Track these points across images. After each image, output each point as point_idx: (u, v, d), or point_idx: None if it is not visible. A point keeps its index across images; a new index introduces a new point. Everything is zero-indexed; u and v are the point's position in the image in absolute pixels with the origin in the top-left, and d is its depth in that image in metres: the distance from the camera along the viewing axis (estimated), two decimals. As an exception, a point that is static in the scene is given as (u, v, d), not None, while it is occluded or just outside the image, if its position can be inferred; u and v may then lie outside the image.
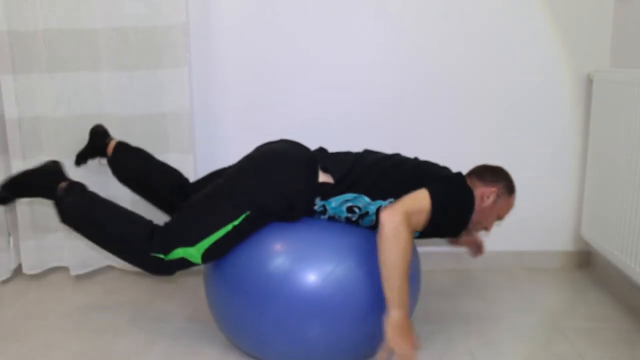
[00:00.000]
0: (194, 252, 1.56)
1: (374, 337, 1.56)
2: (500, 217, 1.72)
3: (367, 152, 1.74)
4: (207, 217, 1.57)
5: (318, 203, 1.62)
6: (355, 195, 1.60)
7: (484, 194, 1.66)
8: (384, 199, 1.61)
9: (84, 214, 1.63)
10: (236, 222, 1.55)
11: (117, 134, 2.14)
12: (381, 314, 1.49)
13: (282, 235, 1.57)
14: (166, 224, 1.61)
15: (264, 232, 1.58)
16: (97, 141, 2.03)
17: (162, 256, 1.57)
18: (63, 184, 1.68)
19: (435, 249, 2.32)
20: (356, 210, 1.62)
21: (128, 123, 2.13)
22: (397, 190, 1.59)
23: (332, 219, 1.65)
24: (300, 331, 1.50)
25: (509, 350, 1.70)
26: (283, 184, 1.58)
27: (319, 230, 1.59)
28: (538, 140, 2.24)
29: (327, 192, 1.61)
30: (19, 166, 2.13)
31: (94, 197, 1.67)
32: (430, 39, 2.18)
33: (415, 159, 1.75)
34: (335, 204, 1.61)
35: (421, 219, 1.52)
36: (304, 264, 1.50)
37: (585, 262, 2.32)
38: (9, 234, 2.24)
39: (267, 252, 1.53)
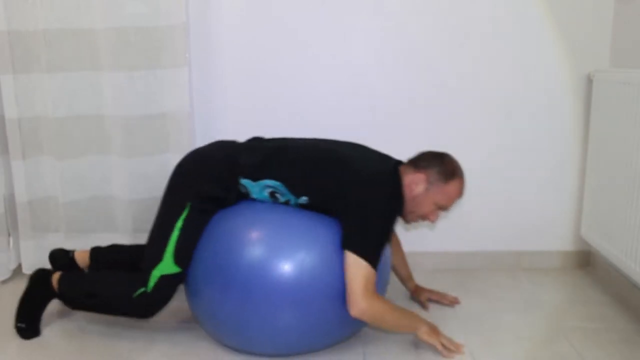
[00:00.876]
0: (166, 265, 1.63)
1: (352, 320, 1.60)
2: (442, 207, 1.67)
3: (294, 141, 1.74)
4: (159, 230, 1.67)
5: (243, 182, 1.65)
6: (277, 183, 1.63)
7: (413, 182, 1.65)
8: (298, 196, 1.63)
9: (78, 295, 1.74)
10: (183, 216, 1.63)
11: (117, 134, 2.14)
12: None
13: (255, 224, 1.59)
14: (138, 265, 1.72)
15: (237, 222, 1.61)
16: (61, 261, 1.98)
17: (143, 289, 1.65)
18: (55, 279, 1.77)
19: (435, 249, 2.33)
20: (278, 196, 1.65)
21: (128, 123, 2.13)
22: (310, 192, 1.62)
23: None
24: (279, 320, 1.53)
25: (509, 350, 1.69)
26: (207, 172, 1.67)
27: (293, 218, 1.60)
28: (538, 140, 2.24)
29: (247, 171, 1.65)
30: (19, 166, 2.13)
31: (78, 277, 1.78)
32: (431, 39, 2.18)
33: (346, 146, 1.73)
34: (257, 189, 1.65)
35: (371, 274, 1.53)
36: (279, 253, 1.52)
37: (585, 262, 2.32)
38: (9, 234, 2.24)
39: (241, 242, 1.56)
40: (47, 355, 1.68)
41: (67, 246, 2.20)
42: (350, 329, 1.67)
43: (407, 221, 1.73)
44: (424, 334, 1.63)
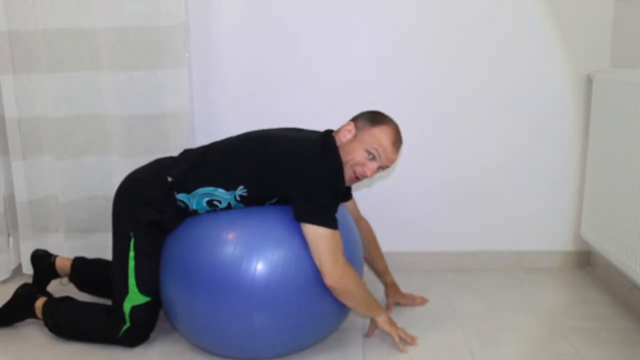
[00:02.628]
0: (133, 296, 1.65)
1: (325, 323, 1.61)
2: (374, 155, 1.65)
3: (220, 142, 1.73)
4: (117, 262, 1.69)
5: (179, 197, 1.64)
6: (210, 188, 1.61)
7: (343, 130, 1.68)
8: (235, 188, 1.60)
9: (62, 332, 1.76)
10: (132, 247, 1.65)
11: (117, 134, 2.14)
12: (330, 300, 1.57)
13: (228, 226, 1.57)
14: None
15: (209, 225, 1.59)
16: (42, 264, 2.00)
17: (125, 326, 1.67)
18: (39, 304, 1.79)
19: (435, 249, 2.33)
20: (216, 203, 1.63)
21: (128, 123, 2.13)
22: (243, 180, 1.60)
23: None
24: (253, 322, 1.51)
25: (509, 350, 1.69)
26: (140, 197, 1.67)
27: (265, 218, 1.58)
28: (538, 140, 2.24)
29: (178, 185, 1.64)
30: (19, 166, 2.13)
31: (62, 316, 1.75)
32: (430, 38, 2.18)
33: (279, 129, 1.73)
34: (194, 200, 1.63)
35: (334, 237, 1.51)
36: (252, 254, 1.50)
37: (585, 262, 2.32)
38: (9, 234, 2.24)
39: (212, 244, 1.54)
40: (47, 355, 1.69)
41: (67, 247, 2.21)
42: (327, 328, 1.66)
43: (348, 179, 1.68)
44: (384, 323, 1.69)
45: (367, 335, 1.76)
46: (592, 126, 2.15)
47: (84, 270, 1.97)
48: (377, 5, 2.16)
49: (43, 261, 2.00)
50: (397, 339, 1.67)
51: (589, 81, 2.18)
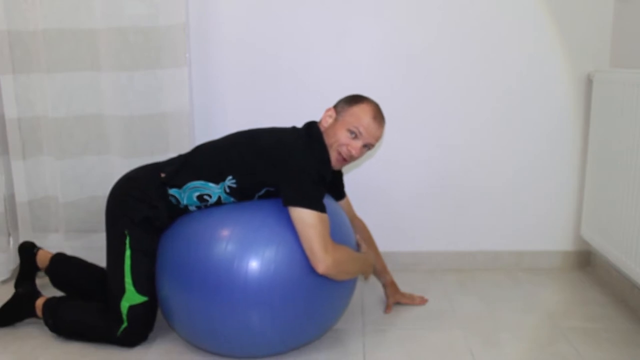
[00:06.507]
0: (130, 296, 1.66)
1: (321, 318, 1.61)
2: (356, 134, 1.66)
3: (211, 141, 1.76)
4: (113, 262, 1.69)
5: (171, 192, 1.66)
6: (200, 182, 1.63)
7: (325, 117, 1.72)
8: (224, 179, 1.62)
9: (63, 332, 1.78)
10: (127, 245, 1.65)
11: (117, 134, 2.14)
12: (325, 295, 1.58)
13: (220, 223, 1.57)
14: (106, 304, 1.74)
15: (201, 223, 1.59)
16: (25, 255, 2.00)
17: (122, 326, 1.68)
18: (39, 303, 1.80)
19: (435, 249, 2.33)
20: (207, 198, 1.64)
21: (128, 123, 2.13)
22: (231, 170, 1.62)
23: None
24: (248, 320, 1.51)
25: (509, 350, 1.70)
26: (134, 193, 1.68)
27: (256, 215, 1.58)
28: (538, 140, 2.24)
29: (170, 180, 1.66)
30: (19, 166, 2.13)
31: (62, 309, 1.77)
32: (430, 38, 2.18)
33: (256, 130, 1.75)
34: (185, 194, 1.65)
35: (321, 221, 1.52)
36: (247, 251, 1.50)
37: (585, 262, 2.32)
38: (9, 234, 2.24)
39: (207, 242, 1.53)
40: (47, 354, 1.69)
41: (67, 247, 2.21)
42: (324, 324, 1.66)
43: (335, 162, 1.68)
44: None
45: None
46: (592, 126, 2.15)
47: (62, 266, 1.96)
48: (377, 5, 2.16)
49: (27, 251, 2.00)
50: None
51: (589, 81, 2.18)
